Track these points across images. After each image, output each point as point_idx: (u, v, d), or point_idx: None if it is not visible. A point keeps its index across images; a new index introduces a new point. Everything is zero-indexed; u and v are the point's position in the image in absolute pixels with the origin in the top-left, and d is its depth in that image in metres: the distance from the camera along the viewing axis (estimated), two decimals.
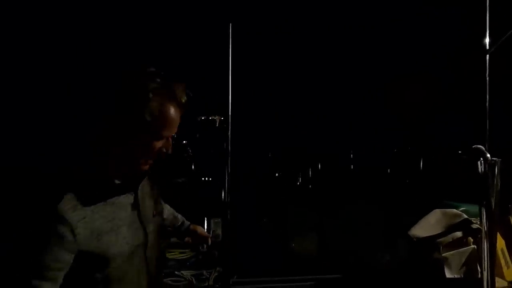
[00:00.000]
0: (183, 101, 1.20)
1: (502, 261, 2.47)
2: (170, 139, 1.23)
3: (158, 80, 1.13)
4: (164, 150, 1.23)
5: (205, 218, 3.81)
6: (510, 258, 2.53)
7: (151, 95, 1.09)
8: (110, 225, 1.16)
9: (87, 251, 1.10)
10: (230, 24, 3.00)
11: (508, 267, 2.50)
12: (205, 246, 1.88)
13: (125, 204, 1.24)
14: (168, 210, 1.79)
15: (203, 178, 6.81)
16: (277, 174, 5.39)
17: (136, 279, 1.29)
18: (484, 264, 1.75)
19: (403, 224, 2.23)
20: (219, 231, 3.36)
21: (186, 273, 3.73)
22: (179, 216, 1.91)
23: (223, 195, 3.16)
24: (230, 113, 3.16)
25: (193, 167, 7.32)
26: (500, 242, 2.48)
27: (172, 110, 1.16)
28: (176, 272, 3.65)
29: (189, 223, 1.95)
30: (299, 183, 4.87)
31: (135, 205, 1.28)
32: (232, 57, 3.14)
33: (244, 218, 4.09)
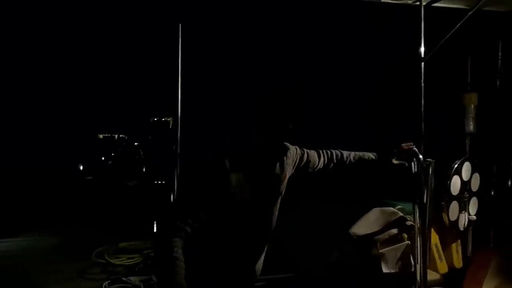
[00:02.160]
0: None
1: (436, 255, 2.64)
2: None
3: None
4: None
5: (154, 222, 3.74)
6: (443, 253, 2.71)
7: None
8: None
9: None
10: (180, 24, 2.98)
11: (441, 261, 2.68)
12: None
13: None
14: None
15: (155, 181, 6.66)
16: None
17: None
18: (417, 258, 1.86)
19: (352, 222, 2.32)
20: None
21: (134, 279, 3.63)
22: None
23: (172, 197, 3.12)
24: (179, 114, 3.13)
25: (144, 169, 7.15)
26: (434, 238, 2.65)
27: None
28: (123, 278, 3.55)
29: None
30: None
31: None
32: (183, 57, 3.11)
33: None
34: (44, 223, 5.25)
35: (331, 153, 1.83)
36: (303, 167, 1.73)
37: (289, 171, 1.62)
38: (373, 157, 1.89)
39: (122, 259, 3.91)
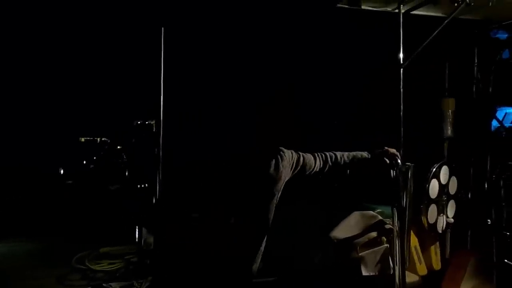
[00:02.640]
0: None
1: (415, 258, 2.69)
2: None
3: None
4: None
5: (136, 227, 3.70)
6: (422, 255, 2.76)
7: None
8: None
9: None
10: (163, 28, 2.96)
11: (420, 263, 2.73)
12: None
13: None
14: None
15: (138, 185, 6.57)
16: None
17: None
18: (396, 260, 1.89)
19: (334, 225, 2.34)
20: (151, 240, 3.28)
21: (115, 285, 3.57)
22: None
23: (154, 202, 3.09)
24: (162, 117, 3.10)
25: (127, 173, 7.04)
26: (414, 240, 2.70)
27: None
28: (103, 284, 3.49)
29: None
30: None
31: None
32: (167, 60, 3.10)
33: (179, 225, 4.01)
34: (23, 228, 5.13)
35: (326, 155, 1.87)
36: (300, 171, 1.77)
37: (285, 173, 1.67)
38: (366, 156, 1.95)
39: (103, 264, 3.85)
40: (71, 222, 5.26)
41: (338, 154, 1.93)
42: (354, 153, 1.97)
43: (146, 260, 3.40)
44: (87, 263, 3.86)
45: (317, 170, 1.84)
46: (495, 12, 2.50)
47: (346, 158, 1.93)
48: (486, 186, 2.96)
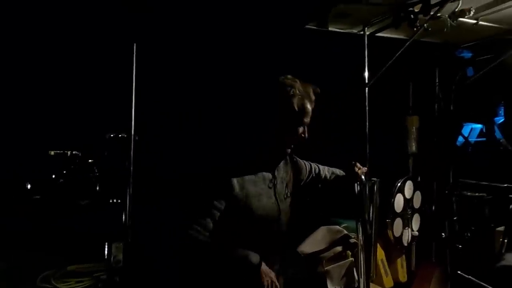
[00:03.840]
0: (313, 97, 1.64)
1: (382, 271, 2.76)
2: (306, 127, 1.63)
3: (298, 83, 1.60)
4: (303, 135, 1.63)
5: (106, 243, 3.61)
6: (389, 268, 2.84)
7: (296, 94, 1.57)
8: (255, 191, 1.59)
9: (239, 205, 1.54)
10: (135, 44, 2.98)
11: (387, 276, 2.80)
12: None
13: (266, 179, 1.66)
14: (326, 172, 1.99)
15: (110, 200, 6.42)
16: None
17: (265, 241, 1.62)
18: (361, 274, 1.94)
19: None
20: (120, 256, 3.22)
21: None
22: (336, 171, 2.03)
23: (123, 218, 3.04)
24: (133, 131, 3.09)
25: (98, 188, 6.88)
26: (380, 254, 2.78)
27: (308, 104, 1.60)
28: None
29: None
30: None
31: (272, 182, 1.67)
32: (140, 76, 3.11)
33: (150, 241, 3.95)
34: None
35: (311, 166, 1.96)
36: (312, 180, 1.88)
37: (294, 179, 1.76)
38: (343, 173, 2.02)
39: (70, 283, 3.73)
40: (37, 238, 5.08)
41: (321, 167, 2.00)
42: (332, 169, 2.05)
43: (116, 277, 3.32)
44: (53, 282, 3.73)
45: (327, 182, 1.97)
46: (452, 36, 2.66)
47: (327, 173, 2.01)
48: (449, 199, 3.10)
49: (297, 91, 1.58)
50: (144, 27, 2.68)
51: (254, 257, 1.50)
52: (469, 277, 1.44)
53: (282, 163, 1.77)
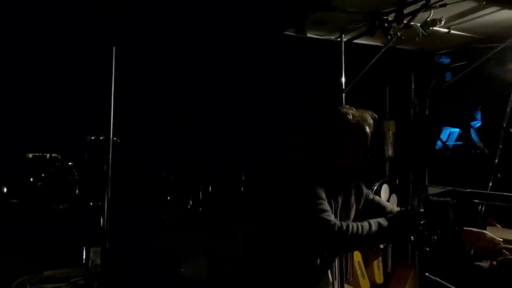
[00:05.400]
0: (372, 122, 1.70)
1: (359, 272, 2.82)
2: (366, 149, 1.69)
3: (354, 111, 1.68)
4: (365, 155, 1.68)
5: (84, 247, 3.55)
6: (365, 270, 2.90)
7: (355, 120, 1.65)
8: (333, 204, 1.63)
9: None
10: (114, 47, 2.97)
11: (363, 278, 2.86)
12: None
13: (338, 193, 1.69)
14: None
15: (90, 203, 6.33)
16: (168, 198, 5.31)
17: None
18: (335, 275, 1.98)
19: None
20: (99, 261, 3.18)
21: None
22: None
23: (101, 222, 3.01)
24: (111, 134, 3.07)
25: (77, 191, 6.78)
26: (357, 256, 2.83)
27: (367, 128, 1.67)
28: None
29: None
30: (190, 206, 4.86)
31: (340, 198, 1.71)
32: (118, 78, 3.09)
33: (129, 246, 3.91)
34: None
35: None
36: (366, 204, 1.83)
37: (356, 202, 1.76)
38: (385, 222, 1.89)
39: None
40: (13, 243, 4.96)
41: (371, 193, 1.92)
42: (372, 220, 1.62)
43: (94, 282, 3.28)
44: None
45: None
46: (426, 44, 2.74)
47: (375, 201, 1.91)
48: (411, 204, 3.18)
49: (355, 117, 1.65)
50: (123, 31, 2.68)
51: (382, 220, 1.55)
52: (436, 278, 1.49)
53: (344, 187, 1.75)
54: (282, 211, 1.59)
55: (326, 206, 1.49)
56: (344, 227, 1.43)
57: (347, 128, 1.64)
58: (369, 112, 1.73)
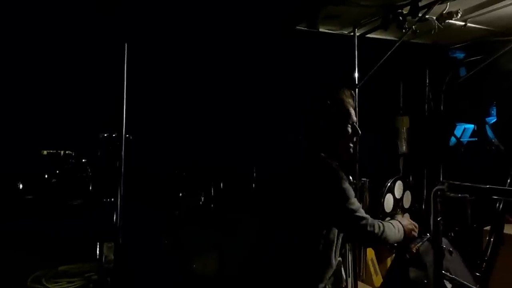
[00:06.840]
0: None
1: (372, 270, 2.78)
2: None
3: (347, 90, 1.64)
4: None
5: (97, 243, 3.60)
6: (378, 267, 2.86)
7: (348, 100, 1.61)
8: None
9: None
10: (126, 44, 2.98)
11: (377, 275, 2.83)
12: None
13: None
14: None
15: (104, 199, 6.40)
16: (180, 194, 5.33)
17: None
18: (349, 273, 1.96)
19: None
20: (112, 256, 3.21)
21: None
22: None
23: (114, 218, 3.04)
24: (124, 131, 3.09)
25: (91, 188, 6.86)
26: (370, 253, 2.80)
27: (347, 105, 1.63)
28: None
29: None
30: (202, 202, 4.87)
31: None
32: (130, 75, 3.11)
33: (141, 242, 3.94)
34: None
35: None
36: None
37: None
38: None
39: (61, 283, 3.72)
40: (28, 239, 5.05)
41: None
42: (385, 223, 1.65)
43: (107, 278, 3.32)
44: (44, 283, 3.72)
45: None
46: (442, 38, 2.68)
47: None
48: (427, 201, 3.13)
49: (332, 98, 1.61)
50: (135, 28, 2.68)
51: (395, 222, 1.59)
52: (453, 276, 1.46)
53: None
54: (303, 205, 1.50)
55: (357, 202, 1.49)
56: (376, 227, 1.45)
57: (328, 109, 1.57)
58: (351, 91, 1.69)
